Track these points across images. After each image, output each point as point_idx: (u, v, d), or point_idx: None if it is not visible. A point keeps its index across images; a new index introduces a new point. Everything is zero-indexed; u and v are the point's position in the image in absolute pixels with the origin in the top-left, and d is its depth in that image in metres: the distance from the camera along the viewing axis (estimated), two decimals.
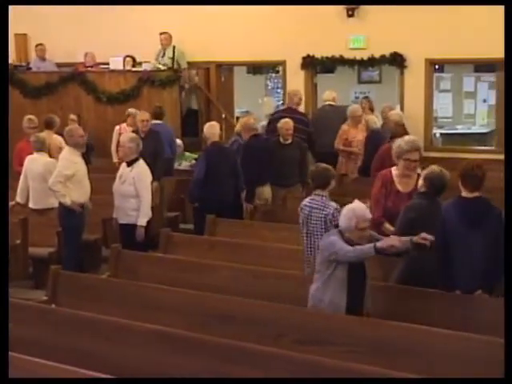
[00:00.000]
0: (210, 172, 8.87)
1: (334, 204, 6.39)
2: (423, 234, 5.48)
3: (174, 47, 13.40)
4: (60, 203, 8.28)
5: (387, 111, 11.15)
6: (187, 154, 12.44)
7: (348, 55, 12.61)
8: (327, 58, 12.78)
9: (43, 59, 14.32)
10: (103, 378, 4.37)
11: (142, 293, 6.34)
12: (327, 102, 11.75)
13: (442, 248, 5.67)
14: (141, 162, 8.22)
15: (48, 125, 10.46)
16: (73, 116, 12.20)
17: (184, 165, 12.14)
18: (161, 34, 13.35)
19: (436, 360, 4.98)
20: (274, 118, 10.61)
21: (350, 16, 12.51)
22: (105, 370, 4.58)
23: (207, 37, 13.24)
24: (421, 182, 6.24)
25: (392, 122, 10.38)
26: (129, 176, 8.13)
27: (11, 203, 8.43)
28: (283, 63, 13.39)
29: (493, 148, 13.06)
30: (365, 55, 12.53)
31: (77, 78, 13.55)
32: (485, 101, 16.20)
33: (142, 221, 8.06)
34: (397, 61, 12.40)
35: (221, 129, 10.07)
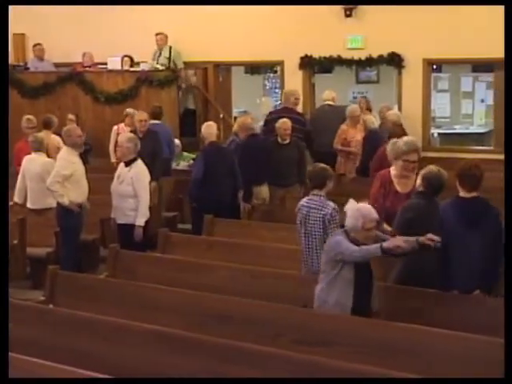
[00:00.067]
0: (207, 172, 8.88)
1: (332, 204, 6.39)
2: (430, 235, 5.47)
3: (170, 47, 13.40)
4: (58, 203, 8.28)
5: (385, 111, 11.16)
6: (185, 153, 12.44)
7: (346, 55, 12.62)
8: (325, 57, 12.78)
9: (41, 59, 14.31)
10: (101, 378, 4.37)
11: (140, 293, 6.34)
12: (326, 102, 11.75)
13: (440, 248, 5.67)
14: (139, 162, 8.22)
15: (46, 125, 10.46)
16: (71, 116, 12.19)
17: (182, 165, 12.14)
18: (156, 34, 13.35)
19: (436, 360, 4.98)
20: (270, 119, 10.60)
21: (347, 16, 12.52)
22: (103, 370, 4.58)
23: (205, 37, 13.24)
24: (419, 181, 6.24)
25: (390, 121, 10.40)
26: (127, 176, 8.13)
27: (9, 203, 8.43)
28: (281, 63, 13.40)
29: (491, 148, 13.07)
30: (363, 55, 12.54)
31: (75, 77, 13.54)
32: (483, 101, 16.21)
33: (140, 221, 8.06)
34: (395, 61, 12.41)
35: (219, 129, 10.07)
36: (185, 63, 13.55)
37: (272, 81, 17.80)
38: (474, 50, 11.74)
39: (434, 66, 13.59)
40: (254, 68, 17.26)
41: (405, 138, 7.02)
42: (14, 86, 13.43)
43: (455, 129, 16.11)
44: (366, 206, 5.62)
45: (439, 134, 15.42)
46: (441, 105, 16.10)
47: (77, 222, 8.31)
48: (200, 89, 13.74)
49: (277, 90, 16.66)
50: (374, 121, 10.94)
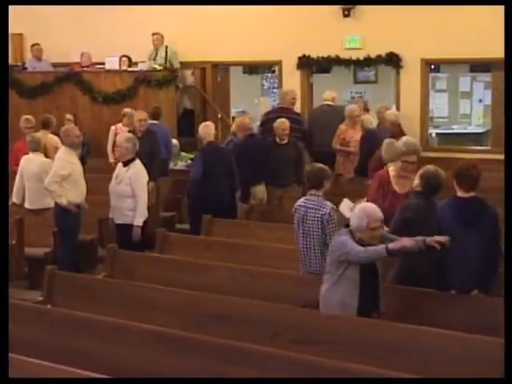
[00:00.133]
0: (206, 172, 8.88)
1: (330, 204, 6.39)
2: (437, 237, 5.45)
3: (166, 47, 13.39)
4: (56, 203, 8.27)
5: (383, 111, 11.16)
6: (183, 154, 12.43)
7: (344, 55, 12.61)
8: (323, 57, 12.78)
9: (39, 59, 14.29)
10: (99, 377, 4.37)
11: (138, 293, 6.34)
12: (325, 102, 11.75)
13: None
14: (137, 162, 8.21)
15: (45, 125, 10.45)
16: (69, 116, 12.17)
17: (180, 165, 12.13)
18: (153, 34, 13.34)
19: (435, 360, 4.97)
20: (266, 119, 10.59)
21: (345, 16, 12.51)
22: (101, 370, 4.58)
23: (203, 37, 13.24)
24: (416, 181, 6.24)
25: (388, 121, 10.41)
26: (125, 176, 8.13)
27: None
28: (279, 63, 13.40)
29: (488, 148, 13.08)
30: (361, 55, 12.54)
31: (72, 77, 13.53)
32: (480, 101, 16.22)
33: (139, 221, 8.06)
34: (393, 61, 12.40)
35: (217, 129, 10.08)
36: (183, 63, 13.54)
37: (270, 81, 17.79)
38: (472, 50, 11.74)
39: (432, 66, 13.60)
40: (252, 68, 17.25)
41: (404, 139, 7.01)
42: (12, 86, 13.40)
43: (453, 129, 16.12)
44: (370, 206, 5.61)
45: (437, 133, 15.42)
46: (439, 105, 16.11)
47: (75, 222, 8.31)
48: (198, 89, 13.73)
49: (275, 90, 16.63)
50: (372, 121, 10.93)
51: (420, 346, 5.09)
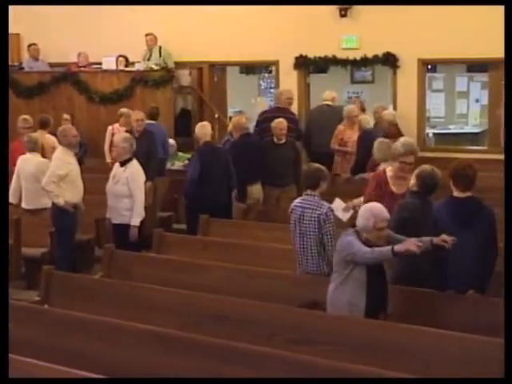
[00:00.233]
0: (203, 172, 8.88)
1: (327, 203, 6.39)
2: (443, 236, 5.44)
3: (160, 47, 13.40)
4: (53, 203, 8.27)
5: (380, 111, 11.17)
6: (180, 153, 12.43)
7: (341, 55, 12.62)
8: (320, 57, 12.78)
9: (36, 59, 14.29)
10: (95, 377, 4.37)
11: (135, 293, 6.34)
12: (325, 102, 11.75)
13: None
14: (134, 161, 8.21)
15: (42, 124, 10.45)
16: (66, 116, 12.18)
17: (177, 165, 12.13)
18: (146, 35, 13.34)
19: (435, 360, 4.97)
20: (262, 119, 10.58)
21: (342, 16, 12.51)
22: (97, 370, 4.58)
23: (200, 37, 13.23)
24: (413, 181, 6.25)
25: (386, 121, 10.42)
26: (122, 176, 8.13)
27: None
28: (276, 63, 13.40)
29: (485, 148, 13.09)
30: (357, 55, 12.54)
31: (69, 77, 13.54)
32: (477, 101, 16.24)
33: (136, 221, 8.05)
34: (389, 61, 12.41)
35: (214, 129, 10.07)
36: (180, 63, 13.54)
37: (267, 81, 17.80)
38: (468, 49, 11.75)
39: (429, 66, 13.61)
40: (249, 68, 17.26)
41: (402, 140, 7.01)
42: (9, 86, 13.40)
43: (450, 129, 16.14)
44: (377, 205, 5.57)
45: (434, 133, 15.43)
46: (435, 105, 16.12)
47: (72, 222, 8.31)
48: (195, 89, 13.73)
49: (272, 90, 16.64)
50: (369, 121, 10.95)
51: (419, 346, 5.08)
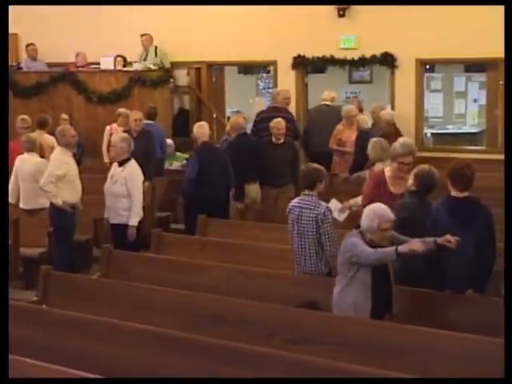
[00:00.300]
0: (201, 172, 8.88)
1: (324, 203, 6.39)
2: (448, 236, 5.43)
3: (155, 48, 13.40)
4: (51, 203, 8.27)
5: (378, 111, 11.17)
6: (178, 153, 12.43)
7: (339, 55, 12.62)
8: (318, 58, 12.78)
9: (34, 59, 14.28)
10: (93, 378, 4.37)
11: (134, 293, 6.33)
12: (324, 102, 11.75)
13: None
14: (132, 161, 8.21)
15: (41, 124, 10.44)
16: (64, 116, 12.17)
17: (175, 165, 12.13)
18: (141, 35, 13.34)
19: (435, 360, 4.97)
20: (259, 119, 10.56)
21: (340, 16, 12.52)
22: (95, 370, 4.58)
23: (199, 37, 13.23)
24: (410, 180, 6.24)
25: (384, 121, 10.42)
26: (120, 176, 8.13)
27: None
28: (274, 63, 13.40)
29: (483, 148, 13.10)
30: (356, 55, 12.54)
31: (67, 77, 13.53)
32: (475, 101, 16.25)
33: (134, 221, 8.06)
34: (388, 61, 12.42)
35: (212, 129, 10.07)
36: (178, 63, 13.54)
37: (265, 81, 17.79)
38: (466, 49, 11.76)
39: (427, 66, 13.62)
40: (247, 68, 17.25)
41: (401, 140, 7.00)
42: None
43: (448, 129, 16.14)
44: (381, 206, 5.56)
45: (432, 133, 15.44)
46: (434, 105, 16.13)
47: (70, 222, 8.30)
48: (193, 89, 13.74)
49: (270, 90, 16.64)
50: (367, 121, 10.95)
51: (419, 346, 5.08)
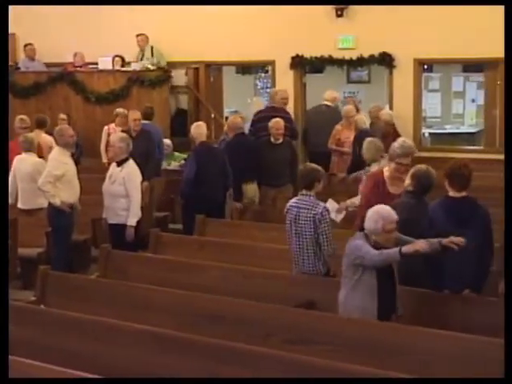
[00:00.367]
0: (199, 172, 8.88)
1: (322, 203, 6.39)
2: (452, 237, 5.41)
3: (151, 48, 13.39)
4: (49, 203, 8.26)
5: (376, 111, 11.18)
6: (176, 154, 12.42)
7: (337, 55, 12.62)
8: (316, 57, 12.78)
9: (32, 59, 14.27)
10: (91, 378, 4.37)
11: (132, 293, 6.33)
12: (324, 102, 11.73)
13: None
14: (131, 161, 8.22)
15: (40, 124, 10.45)
16: (63, 115, 12.16)
17: (173, 165, 12.12)
18: (137, 35, 13.34)
19: (435, 360, 4.97)
20: (257, 119, 10.56)
21: (338, 16, 12.52)
22: (94, 370, 4.58)
23: (197, 37, 13.22)
24: (408, 180, 6.24)
25: (383, 121, 10.44)
26: (119, 176, 8.13)
27: None
28: (272, 63, 13.39)
29: (481, 148, 13.11)
30: (354, 55, 12.54)
31: (66, 77, 13.53)
32: (473, 101, 16.26)
33: (132, 221, 8.06)
34: (386, 61, 12.41)
35: (210, 129, 10.06)
36: (176, 63, 13.54)
37: (263, 81, 17.78)
38: (464, 49, 11.77)
39: (425, 66, 13.63)
40: (245, 68, 17.25)
41: (400, 141, 6.98)
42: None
43: (446, 129, 16.16)
44: (384, 208, 5.53)
45: (430, 133, 15.44)
46: (432, 105, 16.15)
47: (68, 222, 8.30)
48: (191, 89, 13.74)
49: (268, 90, 16.65)
50: (365, 121, 10.96)
51: (419, 346, 5.08)
